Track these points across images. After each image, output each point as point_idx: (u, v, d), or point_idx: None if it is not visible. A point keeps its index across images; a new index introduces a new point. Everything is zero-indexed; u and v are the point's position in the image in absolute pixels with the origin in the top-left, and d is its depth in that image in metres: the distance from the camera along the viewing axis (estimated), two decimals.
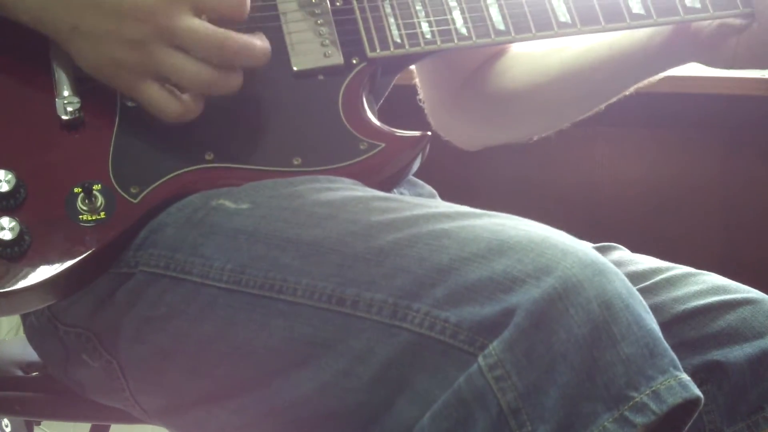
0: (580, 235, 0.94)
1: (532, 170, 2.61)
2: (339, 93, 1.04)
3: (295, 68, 1.04)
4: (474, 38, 1.08)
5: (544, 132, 1.33)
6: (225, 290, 0.90)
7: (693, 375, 0.95)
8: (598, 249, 1.16)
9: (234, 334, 0.90)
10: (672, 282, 1.13)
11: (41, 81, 0.99)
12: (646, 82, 1.23)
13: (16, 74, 1.00)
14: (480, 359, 0.78)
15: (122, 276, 0.96)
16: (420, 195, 1.22)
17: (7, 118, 0.99)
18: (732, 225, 2.64)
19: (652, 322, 0.80)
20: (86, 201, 0.95)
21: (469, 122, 1.37)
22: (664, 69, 1.20)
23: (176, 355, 0.94)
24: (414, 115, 1.33)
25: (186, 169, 0.99)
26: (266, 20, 1.06)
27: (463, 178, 2.46)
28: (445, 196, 1.21)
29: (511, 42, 1.13)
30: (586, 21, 1.10)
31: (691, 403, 0.79)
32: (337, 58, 1.05)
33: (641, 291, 1.04)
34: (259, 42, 0.97)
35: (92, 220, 0.95)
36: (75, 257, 0.93)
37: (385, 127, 1.03)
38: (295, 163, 1.00)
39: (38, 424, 2.21)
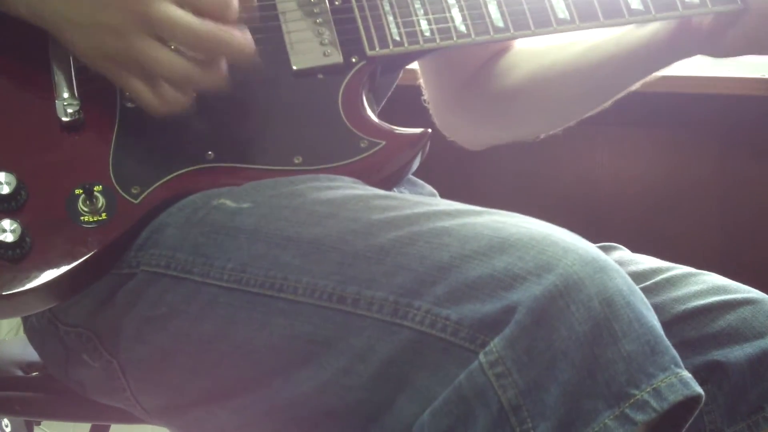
0: (580, 234, 0.94)
1: (532, 170, 2.61)
2: (339, 92, 1.04)
3: (294, 67, 1.05)
4: (473, 36, 1.08)
5: (550, 130, 1.33)
6: (226, 289, 0.90)
7: (693, 375, 0.95)
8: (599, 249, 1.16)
9: (235, 333, 0.90)
10: (672, 282, 1.13)
11: (41, 83, 0.99)
12: (650, 77, 1.23)
13: (16, 76, 1.01)
14: (481, 356, 0.78)
15: (123, 276, 0.96)
16: (420, 194, 1.22)
17: (8, 120, 0.99)
18: (731, 224, 2.64)
19: (654, 320, 0.80)
20: (87, 202, 0.95)
21: (473, 121, 1.37)
22: (669, 63, 1.21)
23: (177, 355, 0.94)
24: (415, 115, 1.33)
25: (186, 169, 0.99)
26: (265, 20, 1.06)
27: (464, 176, 2.46)
28: (446, 195, 1.21)
29: (510, 39, 1.14)
30: (584, 17, 1.10)
31: (692, 401, 0.79)
32: (336, 57, 1.05)
33: (641, 291, 1.05)
34: (240, 34, 0.96)
35: (93, 221, 0.95)
36: (77, 259, 0.93)
37: (385, 125, 1.03)
38: (296, 161, 1.00)
39: (38, 424, 2.21)
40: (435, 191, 1.26)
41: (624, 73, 1.22)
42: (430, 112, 1.38)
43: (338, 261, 0.86)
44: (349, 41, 1.06)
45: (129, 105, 1.00)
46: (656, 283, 1.12)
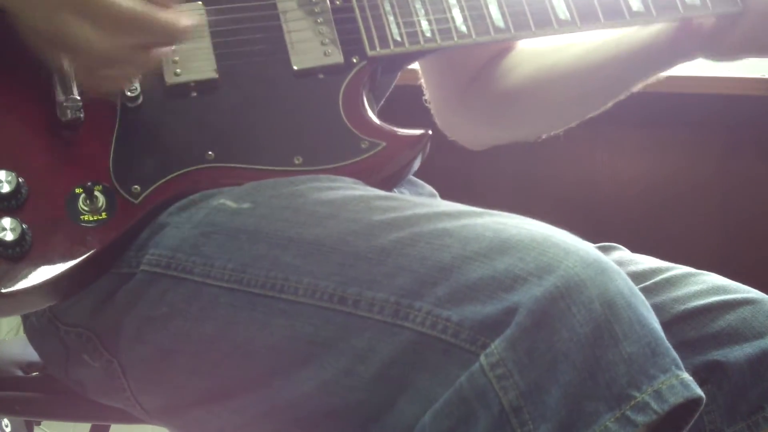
0: (580, 235, 0.94)
1: (532, 170, 2.61)
2: (339, 92, 1.04)
3: (295, 67, 1.05)
4: (474, 36, 1.08)
5: (551, 130, 1.33)
6: (226, 289, 0.90)
7: (693, 375, 0.95)
8: (599, 249, 1.16)
9: (235, 333, 0.90)
10: (672, 282, 1.13)
11: (42, 82, 0.99)
12: (653, 78, 1.23)
13: (17, 75, 1.00)
14: (482, 358, 0.77)
15: (123, 276, 0.96)
16: (420, 195, 1.22)
17: (9, 118, 0.99)
18: (731, 224, 2.63)
19: (654, 321, 0.80)
20: (87, 201, 0.95)
21: (475, 121, 1.37)
22: (670, 65, 1.21)
23: (177, 355, 0.94)
24: (415, 116, 1.33)
25: (187, 169, 0.99)
26: (266, 19, 1.06)
27: (464, 177, 2.46)
28: (446, 196, 1.21)
29: (510, 39, 1.14)
30: (585, 18, 1.10)
31: (693, 403, 0.79)
32: (337, 57, 1.05)
33: (641, 291, 1.04)
34: (169, 16, 0.93)
35: (93, 220, 0.95)
36: (76, 258, 0.93)
37: (386, 126, 1.03)
38: (296, 162, 1.00)
39: (38, 424, 2.21)
40: (435, 191, 1.26)
41: (625, 75, 1.23)
42: (431, 112, 1.38)
43: (339, 262, 0.86)
44: (349, 41, 1.06)
45: (129, 104, 1.00)
46: (656, 283, 1.12)
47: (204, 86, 1.02)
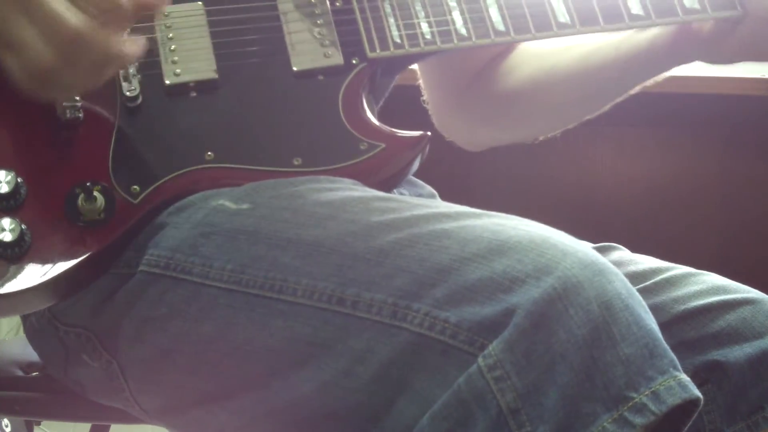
0: (580, 235, 0.94)
1: (532, 170, 2.61)
2: (339, 93, 1.04)
3: (295, 68, 1.05)
4: (474, 39, 1.08)
5: (550, 132, 1.33)
6: (225, 290, 0.90)
7: (693, 375, 0.95)
8: (598, 249, 1.16)
9: (234, 334, 0.90)
10: (672, 282, 1.13)
11: None
12: (651, 81, 1.23)
13: None
14: (480, 359, 0.77)
15: (123, 276, 0.96)
16: (420, 195, 1.22)
17: (8, 118, 0.98)
18: (731, 224, 2.63)
19: (652, 323, 0.80)
20: (86, 202, 0.95)
21: (473, 122, 1.37)
22: (668, 68, 1.21)
23: (176, 355, 0.94)
24: (415, 116, 1.33)
25: (186, 169, 0.99)
26: (266, 20, 1.06)
27: (463, 178, 2.46)
28: (444, 196, 1.21)
29: (510, 42, 1.14)
30: (585, 21, 1.10)
31: (691, 404, 0.79)
32: (337, 59, 1.05)
33: (641, 291, 1.04)
34: (109, 40, 0.91)
35: (92, 220, 0.95)
36: (75, 258, 0.93)
37: (385, 128, 1.03)
38: (296, 163, 1.00)
39: (38, 424, 2.21)
40: (435, 192, 1.26)
41: (624, 77, 1.23)
42: (430, 112, 1.38)
43: (338, 263, 0.86)
44: (349, 43, 1.06)
45: (129, 105, 1.00)
46: (656, 283, 1.12)
47: (204, 86, 1.02)
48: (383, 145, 1.01)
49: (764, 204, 2.59)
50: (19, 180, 0.94)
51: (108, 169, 0.97)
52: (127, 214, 0.96)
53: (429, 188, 1.26)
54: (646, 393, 0.77)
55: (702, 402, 0.80)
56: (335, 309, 0.85)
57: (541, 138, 1.35)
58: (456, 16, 1.08)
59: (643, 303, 0.81)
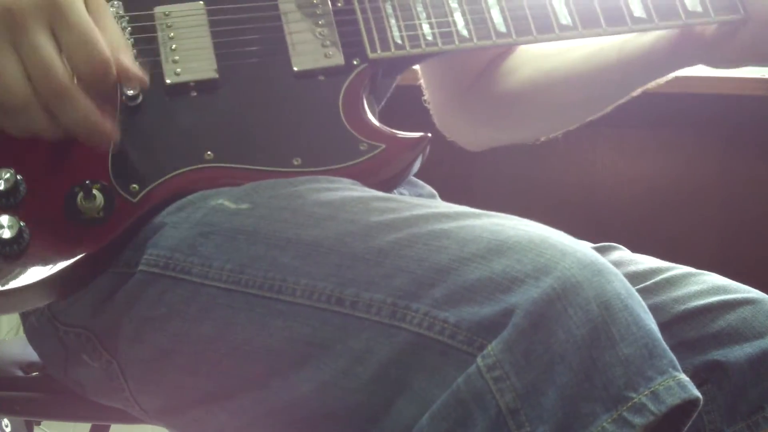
0: (580, 235, 0.94)
1: (532, 170, 2.61)
2: (339, 94, 1.04)
3: (295, 68, 1.05)
4: (475, 40, 1.08)
5: (551, 133, 1.34)
6: (224, 290, 0.90)
7: (693, 375, 0.95)
8: (598, 249, 1.17)
9: (233, 334, 0.90)
10: (672, 282, 1.13)
11: None
12: (653, 84, 1.23)
13: None
14: (479, 360, 0.77)
15: (122, 276, 0.96)
16: (420, 195, 1.22)
17: None
18: (732, 224, 2.64)
19: (651, 323, 0.80)
20: (85, 200, 0.95)
21: (474, 123, 1.37)
22: (671, 71, 1.21)
23: (176, 355, 0.94)
24: (415, 116, 1.33)
25: (186, 169, 0.99)
26: (267, 20, 1.06)
27: (463, 178, 2.47)
28: (444, 196, 1.21)
29: (512, 44, 1.14)
30: (587, 23, 1.10)
31: (690, 404, 0.79)
32: (337, 59, 1.05)
33: (641, 291, 1.05)
34: (94, 112, 0.90)
35: (91, 219, 0.95)
36: (74, 256, 0.93)
37: (386, 128, 1.03)
38: (295, 163, 1.00)
39: (38, 424, 2.22)
40: (434, 192, 1.26)
41: (625, 80, 1.23)
42: (431, 112, 1.38)
43: (337, 263, 0.86)
44: (350, 43, 1.06)
45: (129, 104, 1.00)
46: (656, 283, 1.12)
47: (204, 86, 1.02)
48: (383, 146, 1.01)
49: (764, 204, 2.59)
50: (18, 177, 0.94)
51: (107, 168, 0.97)
52: (126, 213, 0.96)
53: (429, 188, 1.26)
54: (646, 393, 0.77)
55: (701, 402, 0.80)
56: (334, 309, 0.85)
57: (542, 139, 1.35)
58: (457, 17, 1.08)
59: (643, 303, 0.81)
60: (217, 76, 1.03)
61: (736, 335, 1.07)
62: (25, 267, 0.92)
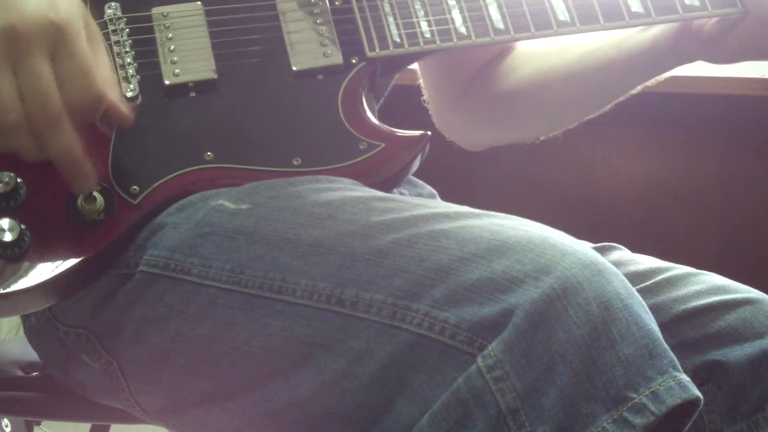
0: (580, 235, 0.94)
1: (532, 170, 2.61)
2: (338, 93, 1.04)
3: (294, 68, 1.04)
4: (473, 37, 1.08)
5: (550, 132, 1.34)
6: (224, 290, 0.90)
7: (693, 375, 0.95)
8: (598, 249, 1.17)
9: (233, 334, 0.90)
10: (672, 282, 1.13)
11: None
12: (652, 81, 1.23)
13: None
14: (479, 360, 0.77)
15: (122, 276, 0.96)
16: (420, 195, 1.22)
17: None
18: (731, 224, 2.63)
19: (652, 323, 0.80)
20: (86, 202, 0.95)
21: (473, 122, 1.37)
22: (670, 68, 1.21)
23: (176, 356, 0.94)
24: (414, 115, 1.33)
25: (185, 170, 0.99)
26: (265, 20, 1.06)
27: (463, 178, 2.46)
28: (444, 196, 1.21)
29: (510, 41, 1.13)
30: (585, 20, 1.10)
31: (691, 404, 0.79)
32: (336, 58, 1.05)
33: (641, 291, 1.05)
34: (76, 147, 0.88)
35: (92, 221, 0.95)
36: (75, 258, 0.93)
37: (385, 127, 1.03)
38: (295, 163, 1.00)
39: (38, 424, 2.22)
40: (434, 192, 1.26)
41: (624, 78, 1.23)
42: (430, 112, 1.38)
43: (337, 263, 0.86)
44: (349, 42, 1.06)
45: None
46: (656, 283, 1.12)
47: (203, 86, 1.02)
48: (383, 145, 1.01)
49: (764, 204, 2.59)
50: (18, 180, 0.94)
51: (108, 170, 0.97)
52: (127, 215, 0.96)
53: (429, 188, 1.26)
54: (646, 393, 0.77)
55: (702, 402, 0.80)
56: (334, 309, 0.85)
57: (541, 138, 1.35)
58: (455, 14, 1.08)
59: (643, 303, 0.81)
60: (215, 76, 1.03)
61: (736, 335, 1.07)
62: (26, 270, 0.92)
